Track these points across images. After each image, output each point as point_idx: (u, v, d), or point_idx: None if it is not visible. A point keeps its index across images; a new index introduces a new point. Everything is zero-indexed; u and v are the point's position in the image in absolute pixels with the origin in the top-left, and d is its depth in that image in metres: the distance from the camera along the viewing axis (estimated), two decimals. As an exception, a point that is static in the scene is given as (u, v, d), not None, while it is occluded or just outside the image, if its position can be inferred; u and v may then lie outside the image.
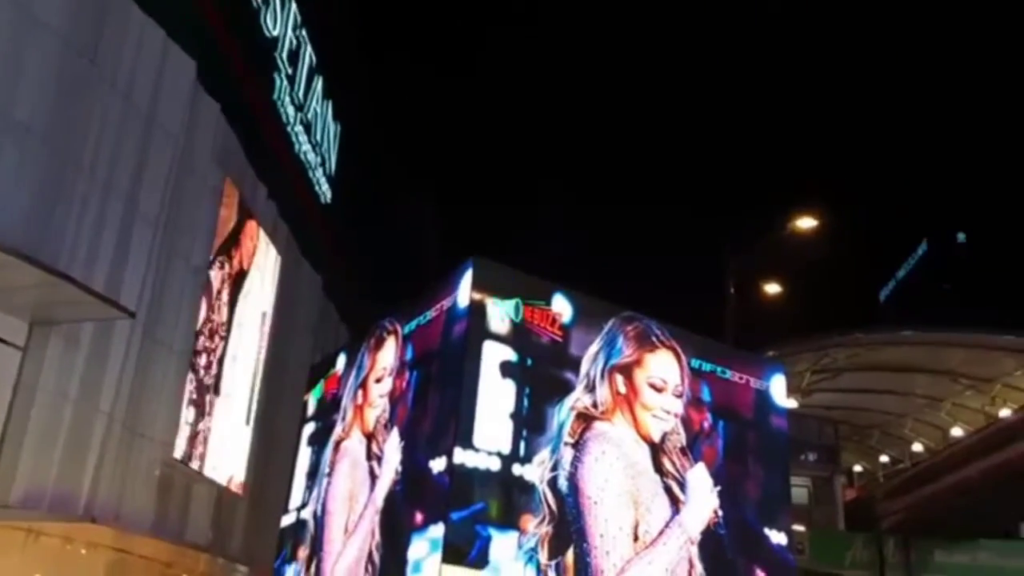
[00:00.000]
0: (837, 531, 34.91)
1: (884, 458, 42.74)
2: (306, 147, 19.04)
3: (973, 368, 33.16)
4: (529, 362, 7.80)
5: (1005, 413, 31.06)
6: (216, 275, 14.00)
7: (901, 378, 34.75)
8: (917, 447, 39.23)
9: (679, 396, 9.35)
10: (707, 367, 9.77)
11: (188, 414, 12.95)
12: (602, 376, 8.83)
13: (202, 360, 13.52)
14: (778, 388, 10.37)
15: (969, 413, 35.69)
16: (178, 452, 12.57)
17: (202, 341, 13.48)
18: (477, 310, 7.53)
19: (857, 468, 43.81)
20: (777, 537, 9.40)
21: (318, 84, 19.61)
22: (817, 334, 32.79)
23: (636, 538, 8.44)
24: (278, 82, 17.10)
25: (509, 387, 7.62)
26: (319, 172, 20.25)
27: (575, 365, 8.33)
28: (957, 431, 35.51)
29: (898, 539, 33.05)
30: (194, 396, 13.21)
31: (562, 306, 8.24)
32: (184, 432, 12.81)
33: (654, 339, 9.51)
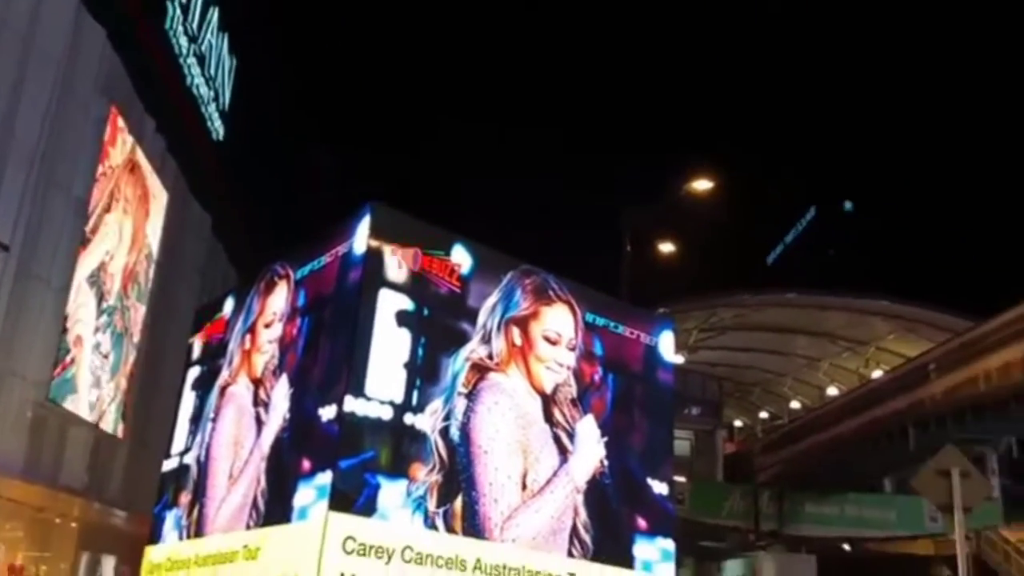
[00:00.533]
0: (716, 482, 36.38)
1: (764, 414, 44.65)
2: (198, 80, 18.23)
3: (850, 331, 34.85)
4: (426, 312, 7.73)
5: (877, 374, 32.78)
6: (98, 207, 13.35)
7: (783, 338, 36.25)
8: (795, 404, 41.13)
9: (572, 349, 9.48)
10: (601, 322, 9.91)
11: (66, 353, 12.41)
12: (498, 328, 8.84)
13: (82, 297, 12.93)
14: (667, 344, 10.63)
15: (844, 374, 37.59)
16: (53, 392, 12.05)
17: (82, 276, 12.88)
18: (373, 257, 7.39)
19: (738, 423, 45.64)
20: (659, 487, 9.69)
21: (214, 15, 18.74)
22: (707, 293, 33.84)
23: (524, 487, 8.57)
24: (170, 10, 16.26)
25: (404, 336, 7.54)
26: (212, 107, 19.44)
27: (472, 316, 8.31)
28: (833, 390, 37.38)
29: (772, 491, 34.75)
30: (73, 334, 12.65)
31: (461, 257, 8.18)
32: (61, 372, 12.28)
33: (551, 293, 9.58)
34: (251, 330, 9.12)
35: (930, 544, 33.76)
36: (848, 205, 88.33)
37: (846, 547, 37.13)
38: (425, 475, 7.41)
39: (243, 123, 21.23)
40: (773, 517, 34.43)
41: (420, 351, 7.58)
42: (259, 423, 8.37)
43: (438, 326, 7.87)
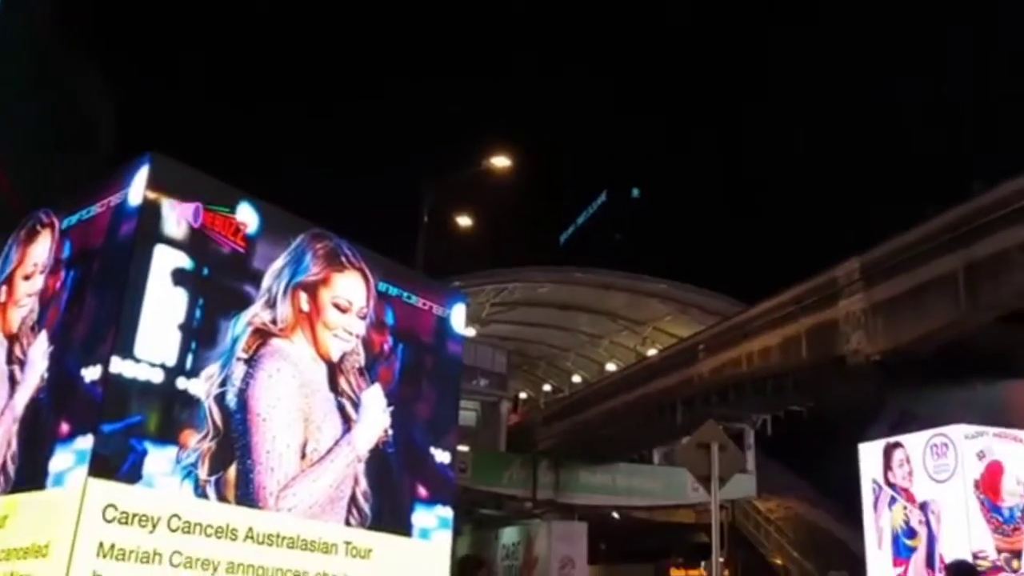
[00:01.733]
0: (498, 452, 37.34)
1: (547, 387, 46.28)
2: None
3: (630, 311, 36.78)
4: (205, 271, 7.30)
5: (652, 353, 34.77)
6: None
7: (569, 315, 37.67)
8: (577, 379, 42.93)
9: (363, 318, 9.33)
10: (394, 291, 9.81)
11: None
12: (285, 293, 8.54)
13: None
14: (458, 316, 10.70)
15: (623, 351, 39.65)
16: None
17: None
18: (150, 210, 6.86)
19: (523, 395, 47.01)
20: (441, 456, 9.77)
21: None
22: (500, 269, 34.53)
23: (304, 456, 8.37)
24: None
25: (180, 296, 7.09)
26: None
27: (256, 279, 7.95)
28: (611, 366, 39.34)
29: (550, 460, 36.19)
30: None
31: (247, 216, 7.79)
32: None
33: (343, 259, 9.35)
34: (8, 281, 8.29)
35: (691, 513, 36.55)
36: (636, 191, 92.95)
37: (615, 515, 39.40)
38: (197, 442, 7.05)
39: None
40: (550, 486, 35.86)
41: (197, 313, 7.17)
42: (13, 382, 7.64)
43: (219, 287, 7.47)
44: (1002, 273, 16.06)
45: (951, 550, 17.09)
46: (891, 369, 18.79)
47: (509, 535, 38.04)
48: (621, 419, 31.76)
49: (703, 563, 35.72)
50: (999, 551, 19.23)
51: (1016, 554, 19.34)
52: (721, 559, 31.70)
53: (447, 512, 9.85)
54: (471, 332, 32.35)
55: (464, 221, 19.52)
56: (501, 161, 19.11)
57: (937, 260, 17.44)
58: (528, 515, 37.37)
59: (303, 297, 8.85)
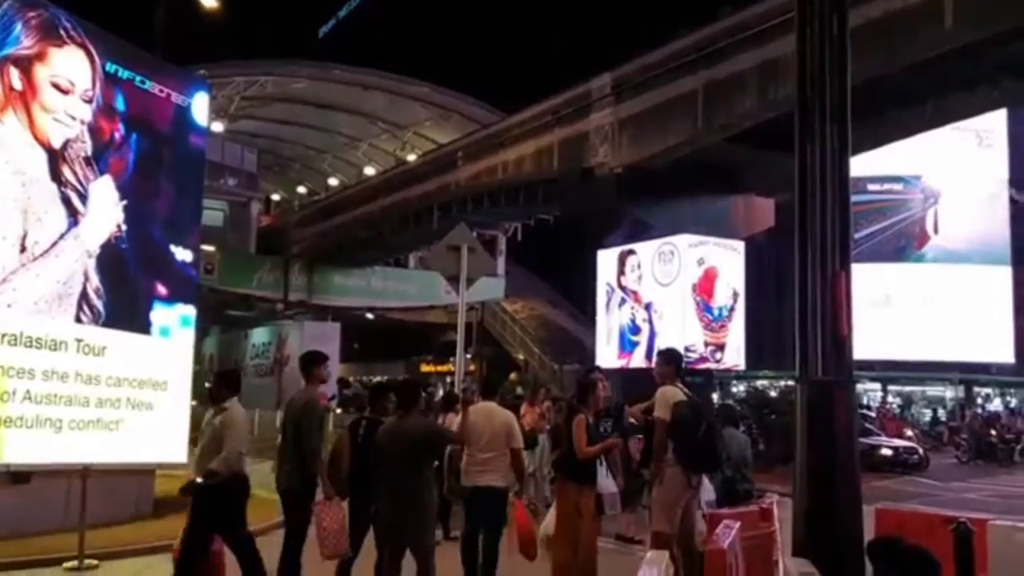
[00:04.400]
0: (248, 254, 36.42)
1: (302, 189, 45.11)
2: None
3: (391, 114, 36.05)
4: None
5: (412, 158, 34.62)
6: None
7: (326, 115, 36.32)
8: (334, 181, 42.09)
9: (89, 101, 8.43)
10: (125, 74, 8.90)
11: None
12: (-10, 66, 7.55)
13: None
14: (200, 106, 9.96)
15: (382, 155, 39.16)
16: None
17: None
18: None
19: (276, 197, 45.62)
20: (183, 254, 9.36)
21: None
22: (252, 60, 32.25)
23: (24, 249, 7.67)
24: None
25: None
26: None
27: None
28: (370, 170, 38.83)
29: (304, 263, 35.90)
30: None
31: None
32: None
33: (62, 33, 8.29)
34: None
35: (444, 314, 38.02)
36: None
37: (369, 316, 40.24)
38: None
39: None
40: (303, 288, 35.77)
41: None
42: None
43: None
44: (736, 95, 17.18)
45: (667, 344, 19.11)
46: (630, 181, 19.94)
47: (259, 335, 37.95)
48: (378, 223, 31.81)
49: (451, 359, 37.76)
50: (707, 344, 21.93)
51: (720, 347, 22.11)
52: (469, 355, 33.76)
53: (189, 311, 9.56)
54: (218, 127, 30.42)
55: (211, 2, 17.71)
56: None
57: (681, 79, 18.30)
58: (279, 316, 37.30)
59: (14, 74, 7.80)
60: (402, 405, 5.87)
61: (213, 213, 33.25)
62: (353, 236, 33.58)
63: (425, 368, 43.01)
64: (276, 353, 35.77)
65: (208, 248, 28.54)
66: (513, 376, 27.79)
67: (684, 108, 18.39)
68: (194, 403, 9.71)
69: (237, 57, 31.57)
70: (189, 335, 9.41)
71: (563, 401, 10.21)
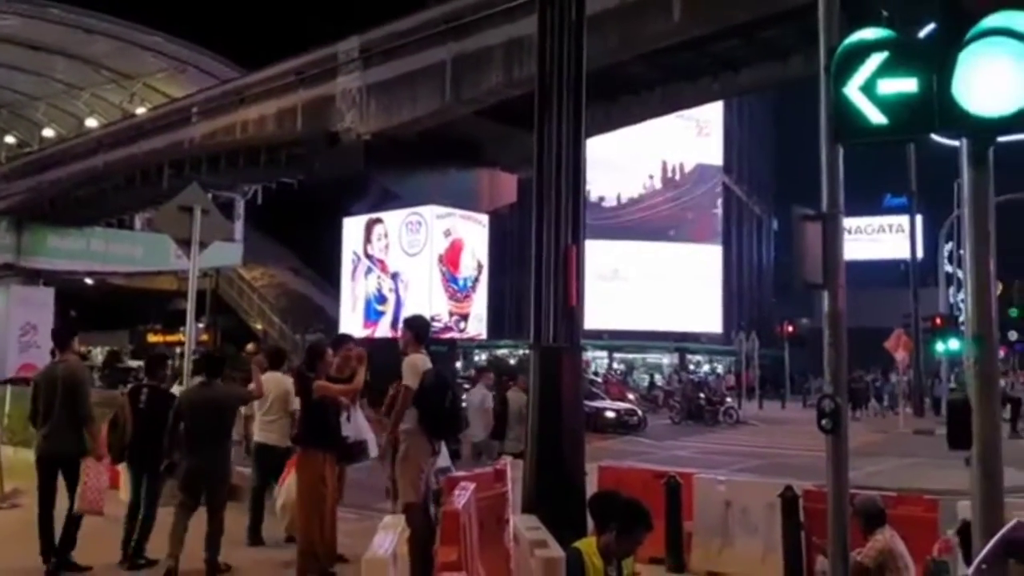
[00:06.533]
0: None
1: (10, 139, 40.62)
2: None
3: (118, 62, 33.20)
4: None
5: (141, 111, 32.16)
6: None
7: (41, 58, 32.78)
8: (49, 132, 38.20)
9: None
10: None
11: None
12: None
13: None
14: None
15: (107, 106, 36.01)
16: None
17: None
18: None
19: (-22, 146, 40.73)
20: None
21: None
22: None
23: None
24: None
25: None
26: None
27: None
28: (92, 122, 35.57)
29: (11, 221, 32.28)
30: None
31: None
32: None
33: None
34: None
35: (174, 280, 35.79)
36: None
37: (89, 281, 37.06)
38: None
39: None
40: (10, 249, 32.19)
41: None
42: None
43: None
44: (484, 70, 17.53)
45: (413, 313, 19.19)
46: (378, 149, 19.82)
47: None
48: (101, 180, 29.27)
49: (182, 328, 35.72)
50: (451, 314, 22.40)
51: (464, 317, 22.68)
52: (201, 324, 32.11)
53: None
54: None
55: None
56: None
57: (430, 50, 18.39)
58: (-17, 279, 33.43)
59: None
60: (208, 373, 6.55)
61: None
62: (72, 193, 30.66)
63: (153, 338, 40.46)
64: (-23, 319, 32.00)
65: None
66: (251, 347, 26.72)
67: (432, 79, 18.50)
68: None
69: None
70: None
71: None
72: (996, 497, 3.12)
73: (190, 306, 9.17)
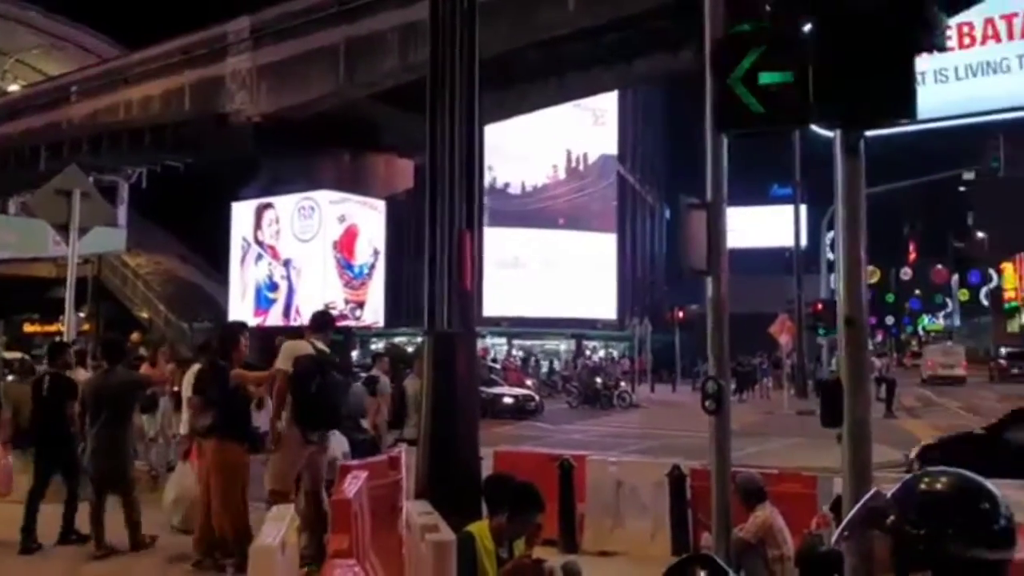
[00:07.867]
0: None
1: None
2: None
3: (-11, 37, 31.42)
4: None
5: (14, 88, 30.55)
6: None
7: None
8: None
9: None
10: None
11: None
12: None
13: None
14: None
15: (-25, 83, 34.01)
16: None
17: None
18: None
19: None
20: None
21: None
22: None
23: None
24: None
25: None
26: None
27: None
28: (-40, 99, 33.54)
29: None
30: None
31: None
32: None
33: None
34: None
35: (52, 267, 33.96)
36: None
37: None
38: None
39: None
40: None
41: None
42: None
43: None
44: (378, 53, 17.33)
45: (307, 301, 18.98)
46: (269, 132, 19.37)
47: None
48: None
49: (61, 318, 34.07)
50: (347, 302, 22.08)
51: (360, 305, 22.40)
52: (82, 314, 30.68)
53: None
54: None
55: None
56: None
57: (323, 31, 18.07)
58: None
59: None
60: (108, 360, 6.64)
61: None
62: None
63: (30, 328, 38.42)
64: None
65: None
66: (135, 336, 25.72)
67: (326, 61, 18.18)
68: None
69: None
70: None
71: (195, 362, 9.61)
72: (863, 472, 3.28)
73: (69, 294, 8.81)
